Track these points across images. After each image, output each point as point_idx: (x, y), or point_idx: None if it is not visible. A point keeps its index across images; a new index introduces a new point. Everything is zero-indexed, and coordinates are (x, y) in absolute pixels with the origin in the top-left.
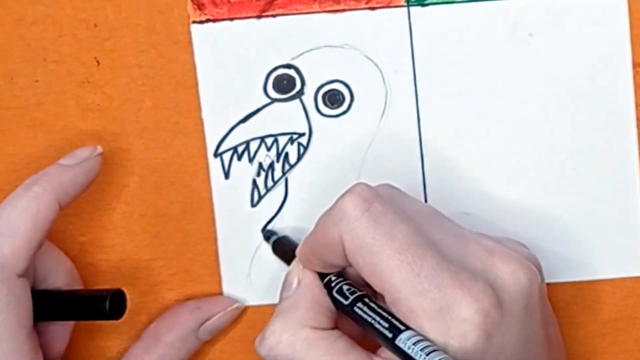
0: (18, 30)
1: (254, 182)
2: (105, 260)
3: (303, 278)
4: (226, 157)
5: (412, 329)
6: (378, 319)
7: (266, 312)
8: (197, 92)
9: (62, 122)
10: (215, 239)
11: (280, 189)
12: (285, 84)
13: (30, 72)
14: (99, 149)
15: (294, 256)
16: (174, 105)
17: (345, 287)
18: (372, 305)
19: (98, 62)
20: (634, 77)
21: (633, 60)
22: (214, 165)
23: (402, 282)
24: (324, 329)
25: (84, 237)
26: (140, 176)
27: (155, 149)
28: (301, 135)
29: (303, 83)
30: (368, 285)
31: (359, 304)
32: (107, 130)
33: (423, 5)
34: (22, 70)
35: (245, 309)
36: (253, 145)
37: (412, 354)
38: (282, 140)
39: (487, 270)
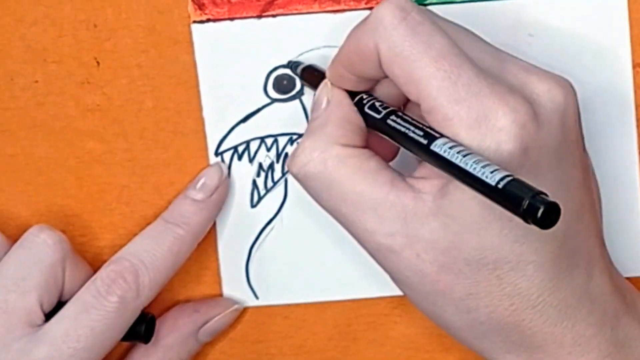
0: (18, 30)
1: (254, 183)
2: (105, 261)
3: (332, 97)
4: (227, 156)
5: (447, 137)
6: (412, 128)
7: (266, 313)
8: (197, 92)
9: (62, 123)
10: (215, 239)
11: (280, 189)
12: (285, 84)
13: (30, 72)
14: (224, 170)
15: (320, 82)
16: (174, 106)
17: (377, 103)
18: (406, 117)
19: (98, 62)
20: (634, 77)
21: (633, 61)
22: None
23: (439, 90)
24: (355, 146)
25: (84, 237)
26: (140, 177)
27: (155, 149)
28: (301, 135)
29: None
30: (398, 104)
31: (392, 117)
32: (107, 131)
33: (423, 5)
34: (22, 71)
35: (244, 310)
36: (253, 146)
37: (449, 157)
38: (282, 140)
39: (524, 87)
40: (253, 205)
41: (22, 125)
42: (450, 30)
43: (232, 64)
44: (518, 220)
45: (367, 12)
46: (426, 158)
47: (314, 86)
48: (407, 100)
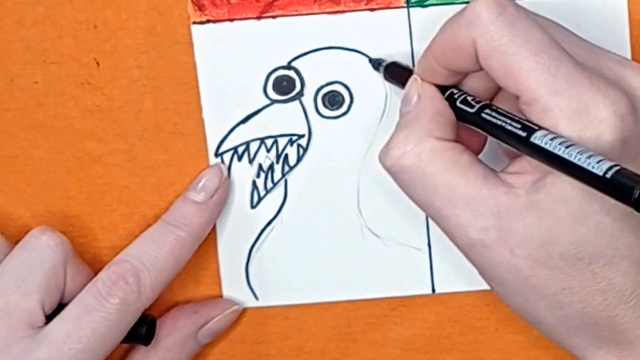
0: (18, 31)
1: (254, 184)
2: (105, 262)
3: (423, 91)
4: (226, 157)
5: (546, 128)
6: (509, 121)
7: (266, 314)
8: (197, 93)
9: (62, 124)
10: (214, 240)
11: (279, 190)
12: (285, 85)
13: (30, 73)
14: (224, 171)
15: (407, 78)
16: (174, 107)
17: (469, 97)
18: (500, 110)
19: (98, 63)
20: None
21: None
22: None
23: (538, 82)
24: (448, 140)
25: (83, 238)
26: (140, 177)
27: (155, 150)
28: (301, 136)
29: (303, 84)
30: (486, 98)
31: (487, 110)
32: (107, 132)
33: (423, 6)
34: (22, 72)
35: (244, 311)
36: (253, 146)
37: (551, 149)
38: (282, 141)
39: (620, 80)
40: (253, 206)
41: (22, 126)
42: (544, 24)
43: (232, 65)
44: (615, 213)
45: (367, 13)
46: (525, 150)
47: (398, 82)
48: (494, 94)
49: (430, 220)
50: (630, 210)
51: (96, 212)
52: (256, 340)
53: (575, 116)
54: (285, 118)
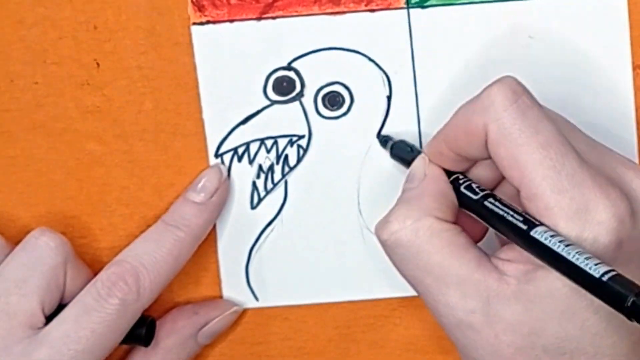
0: (18, 32)
1: (254, 184)
2: (105, 263)
3: (430, 171)
4: (226, 158)
5: (546, 225)
6: (511, 212)
7: (266, 315)
8: (197, 93)
9: (62, 124)
10: (214, 240)
11: (279, 191)
12: (285, 86)
13: (30, 74)
14: (224, 171)
15: (413, 158)
16: (174, 107)
17: (474, 185)
18: (503, 201)
19: (98, 64)
20: (634, 79)
21: (633, 62)
22: None
23: (543, 178)
24: (447, 221)
25: (83, 239)
26: (140, 178)
27: (155, 150)
28: (301, 137)
29: (303, 85)
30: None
31: (490, 199)
32: (107, 132)
33: (423, 7)
34: (22, 72)
35: (244, 312)
36: (253, 147)
37: (550, 245)
38: (282, 142)
39: (622, 181)
40: (253, 207)
41: (22, 127)
42: (553, 117)
43: (232, 65)
44: (601, 313)
45: (367, 14)
46: (523, 244)
47: (404, 161)
48: (496, 186)
49: None
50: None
51: (96, 212)
52: (256, 341)
53: (575, 216)
54: (285, 119)
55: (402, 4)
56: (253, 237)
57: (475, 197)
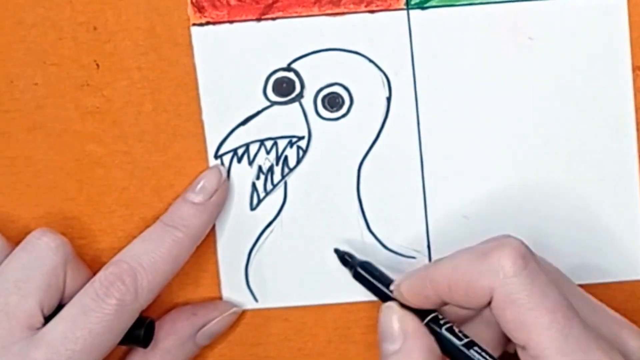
0: (18, 33)
1: (254, 186)
2: (104, 264)
3: (407, 325)
4: (226, 159)
5: None
6: None
7: (265, 316)
8: (197, 94)
9: (62, 125)
10: (214, 242)
11: (279, 192)
12: (284, 87)
13: (29, 75)
14: (224, 172)
15: (380, 289)
16: (173, 108)
17: (455, 328)
18: (488, 352)
19: (98, 65)
20: (634, 80)
21: (633, 64)
22: None
23: (550, 341)
24: None
25: (83, 240)
26: (140, 179)
27: (155, 151)
28: (300, 138)
29: (303, 86)
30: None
31: (476, 348)
32: (106, 133)
33: (423, 8)
34: (22, 73)
35: (244, 313)
36: (253, 148)
37: None
38: (282, 143)
39: (618, 341)
40: (252, 208)
41: (22, 128)
42: (555, 276)
43: (232, 66)
44: None
45: (367, 15)
46: None
47: (369, 289)
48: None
49: (430, 223)
50: None
51: (96, 213)
52: (255, 342)
53: None
54: (285, 120)
55: (402, 5)
56: (252, 238)
57: (458, 343)
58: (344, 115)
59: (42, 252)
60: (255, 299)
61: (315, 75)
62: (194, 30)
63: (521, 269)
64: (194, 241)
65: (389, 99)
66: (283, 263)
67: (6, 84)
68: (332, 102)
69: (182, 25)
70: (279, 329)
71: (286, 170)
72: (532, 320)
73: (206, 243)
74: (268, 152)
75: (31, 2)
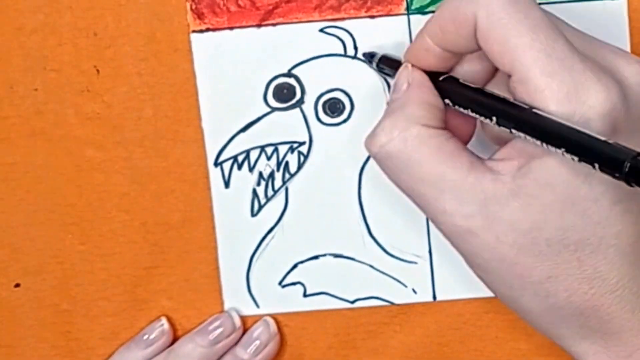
0: (18, 38)
1: (254, 192)
2: (105, 269)
3: (413, 79)
4: (226, 166)
5: (539, 109)
6: (508, 98)
7: None
8: (197, 100)
9: (62, 131)
10: (215, 248)
11: (280, 198)
12: (285, 93)
13: (29, 80)
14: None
15: (397, 69)
16: (174, 114)
17: (463, 81)
18: (495, 93)
19: (98, 70)
20: None
21: None
22: (214, 174)
23: (533, 61)
24: (435, 127)
25: (83, 245)
26: (140, 184)
27: (155, 157)
28: (301, 144)
29: (303, 92)
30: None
31: (484, 91)
32: (106, 139)
33: (423, 13)
34: (22, 79)
35: (245, 319)
36: (253, 155)
37: (552, 117)
38: (283, 149)
39: (612, 68)
40: (253, 214)
41: (22, 134)
42: (543, 10)
43: (232, 73)
44: (602, 201)
45: (368, 20)
46: (522, 126)
47: (390, 74)
48: (484, 84)
49: (431, 228)
50: (618, 197)
51: (96, 219)
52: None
53: (565, 100)
54: (285, 125)
55: (403, 10)
56: (254, 244)
57: (468, 93)
58: (344, 121)
59: None
60: (257, 305)
61: (315, 81)
62: (194, 37)
63: None
64: None
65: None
66: (284, 269)
67: (6, 89)
68: (333, 107)
69: (182, 31)
70: (280, 334)
71: (287, 175)
72: (514, 40)
73: (207, 249)
74: (269, 158)
75: (31, 7)
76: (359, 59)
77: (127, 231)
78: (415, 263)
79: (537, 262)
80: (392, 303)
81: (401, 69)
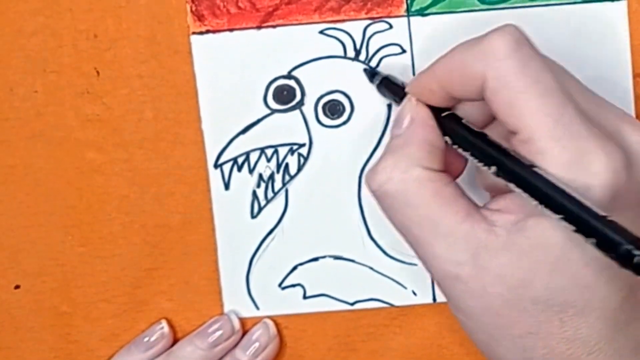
0: (18, 41)
1: (254, 193)
2: (105, 271)
3: (417, 115)
4: (226, 168)
5: (542, 168)
6: (511, 151)
7: None
8: (197, 102)
9: (62, 133)
10: (215, 249)
11: (280, 200)
12: (285, 95)
13: (29, 82)
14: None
15: (399, 96)
16: (174, 116)
17: (469, 124)
18: (497, 142)
19: (98, 72)
20: (634, 87)
21: (633, 71)
22: (214, 176)
23: (540, 124)
24: (435, 170)
25: (83, 247)
26: (140, 187)
27: (155, 159)
28: (301, 145)
29: (303, 93)
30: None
31: (488, 137)
32: (107, 141)
33: (423, 15)
34: (22, 81)
35: (245, 321)
36: (253, 156)
37: (552, 181)
38: (282, 151)
39: (617, 134)
40: (253, 216)
41: (22, 136)
42: (553, 68)
43: (232, 75)
44: (593, 265)
45: (366, 21)
46: (522, 181)
47: (391, 96)
48: (484, 127)
49: None
50: (608, 264)
51: (96, 221)
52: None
53: (568, 165)
54: (285, 127)
55: (403, 12)
56: (253, 246)
57: (471, 136)
58: (344, 123)
59: None
60: (257, 307)
61: (316, 83)
62: (194, 38)
63: (513, 52)
64: None
65: (389, 106)
66: (284, 271)
67: (6, 92)
68: (333, 109)
69: (182, 33)
70: (280, 336)
71: (287, 177)
72: (522, 102)
73: (207, 251)
74: (269, 160)
75: (31, 10)
76: (359, 60)
77: (127, 233)
78: (415, 265)
79: (520, 317)
80: (392, 305)
81: (405, 102)
